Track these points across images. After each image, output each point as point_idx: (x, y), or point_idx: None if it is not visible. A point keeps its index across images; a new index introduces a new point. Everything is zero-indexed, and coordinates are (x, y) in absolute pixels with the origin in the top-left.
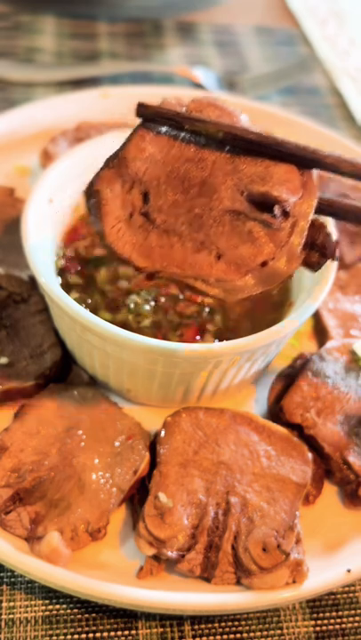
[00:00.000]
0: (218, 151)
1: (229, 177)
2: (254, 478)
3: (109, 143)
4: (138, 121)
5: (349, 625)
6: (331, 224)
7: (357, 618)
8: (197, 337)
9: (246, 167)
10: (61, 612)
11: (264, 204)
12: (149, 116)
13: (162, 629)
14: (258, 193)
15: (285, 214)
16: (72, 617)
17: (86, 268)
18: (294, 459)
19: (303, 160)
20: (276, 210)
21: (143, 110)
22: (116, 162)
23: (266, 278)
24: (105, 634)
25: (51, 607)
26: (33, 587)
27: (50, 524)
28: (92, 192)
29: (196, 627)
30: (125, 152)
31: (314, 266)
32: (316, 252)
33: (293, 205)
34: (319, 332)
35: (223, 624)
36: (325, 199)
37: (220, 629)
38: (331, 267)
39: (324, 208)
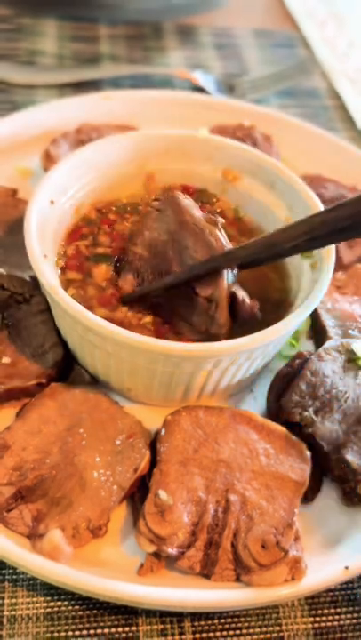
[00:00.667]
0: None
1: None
2: (253, 476)
3: (110, 145)
4: (138, 122)
5: (348, 621)
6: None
7: (355, 614)
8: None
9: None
10: (63, 608)
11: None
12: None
13: (162, 626)
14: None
15: (210, 301)
16: (73, 614)
17: (86, 265)
18: (293, 457)
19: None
20: (201, 300)
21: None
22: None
23: (208, 336)
24: (106, 630)
25: (52, 604)
26: (35, 584)
27: (51, 521)
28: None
29: (196, 623)
30: None
31: (243, 324)
32: (241, 316)
33: (211, 293)
34: (318, 331)
35: (223, 620)
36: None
37: (220, 626)
38: (329, 267)
39: (247, 263)
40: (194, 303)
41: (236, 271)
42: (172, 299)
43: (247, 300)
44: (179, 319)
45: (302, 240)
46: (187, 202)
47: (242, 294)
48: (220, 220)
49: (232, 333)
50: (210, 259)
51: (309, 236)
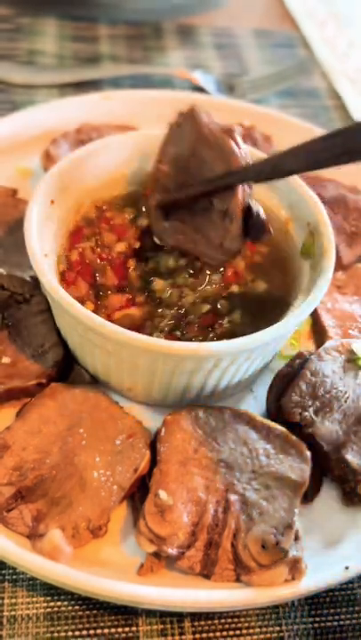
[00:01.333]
0: None
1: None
2: (253, 476)
3: (110, 145)
4: (138, 122)
5: (347, 622)
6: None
7: (355, 615)
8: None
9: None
10: (63, 608)
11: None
12: None
13: (162, 626)
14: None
15: (225, 214)
16: (73, 614)
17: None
18: (293, 457)
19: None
20: (218, 213)
21: None
22: None
23: (223, 252)
24: (106, 630)
25: (52, 604)
26: (35, 584)
27: (51, 521)
28: None
29: (196, 623)
30: None
31: (255, 239)
32: (254, 229)
33: (227, 207)
34: (318, 331)
35: (223, 620)
36: (255, 171)
37: (220, 626)
38: (329, 267)
39: (261, 178)
40: (211, 216)
41: (251, 186)
42: (195, 213)
43: (262, 215)
44: (199, 235)
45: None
46: (204, 115)
47: (256, 209)
48: (238, 128)
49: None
50: (226, 173)
51: (313, 158)
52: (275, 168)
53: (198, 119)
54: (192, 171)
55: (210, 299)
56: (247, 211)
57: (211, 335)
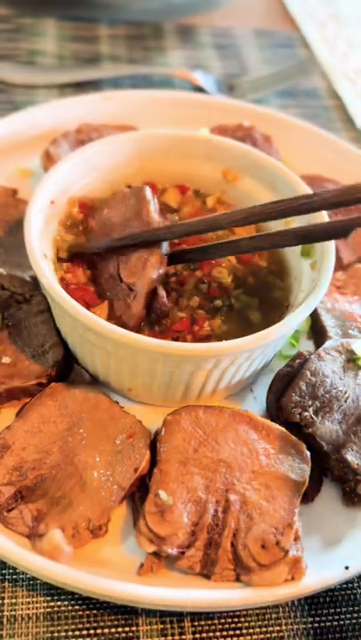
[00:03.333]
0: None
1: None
2: (253, 476)
3: (110, 145)
4: (138, 122)
5: (347, 621)
6: None
7: (355, 614)
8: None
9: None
10: (63, 608)
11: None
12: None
13: (162, 625)
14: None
15: (131, 289)
16: (73, 613)
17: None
18: (293, 457)
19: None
20: (124, 286)
21: None
22: None
23: (120, 323)
24: (106, 630)
25: (52, 604)
26: (35, 584)
27: (51, 521)
28: None
29: (196, 623)
30: None
31: (154, 321)
32: (155, 313)
33: (133, 284)
34: (318, 331)
35: (223, 620)
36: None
37: (220, 625)
38: (329, 267)
39: (260, 246)
40: (117, 287)
41: (162, 270)
42: (103, 273)
43: (165, 300)
44: (105, 296)
45: (240, 220)
46: (151, 199)
47: (162, 294)
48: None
49: (140, 328)
50: (145, 230)
51: (246, 220)
52: (208, 224)
53: (144, 198)
54: (114, 237)
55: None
56: (152, 293)
57: (210, 335)
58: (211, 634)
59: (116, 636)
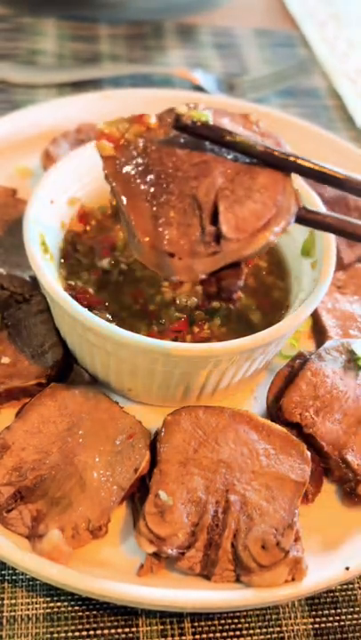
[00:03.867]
0: (226, 159)
1: (219, 176)
2: (254, 476)
3: None
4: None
5: (348, 622)
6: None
7: (356, 615)
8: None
9: (242, 176)
10: (62, 609)
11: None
12: (189, 130)
13: (162, 626)
14: (220, 210)
15: (218, 240)
16: (73, 614)
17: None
18: (293, 457)
19: (332, 182)
20: (207, 236)
21: (180, 128)
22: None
23: (166, 266)
24: (106, 631)
25: (52, 605)
26: (34, 584)
27: (51, 522)
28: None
29: (196, 624)
30: None
31: (208, 296)
32: (218, 288)
33: (227, 242)
34: (318, 331)
35: (223, 621)
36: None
37: (220, 626)
38: (329, 267)
39: (308, 218)
40: (203, 215)
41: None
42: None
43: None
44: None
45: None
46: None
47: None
48: None
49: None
50: (278, 151)
51: None
52: None
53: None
54: None
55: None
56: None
57: (210, 337)
58: (211, 634)
59: (116, 636)
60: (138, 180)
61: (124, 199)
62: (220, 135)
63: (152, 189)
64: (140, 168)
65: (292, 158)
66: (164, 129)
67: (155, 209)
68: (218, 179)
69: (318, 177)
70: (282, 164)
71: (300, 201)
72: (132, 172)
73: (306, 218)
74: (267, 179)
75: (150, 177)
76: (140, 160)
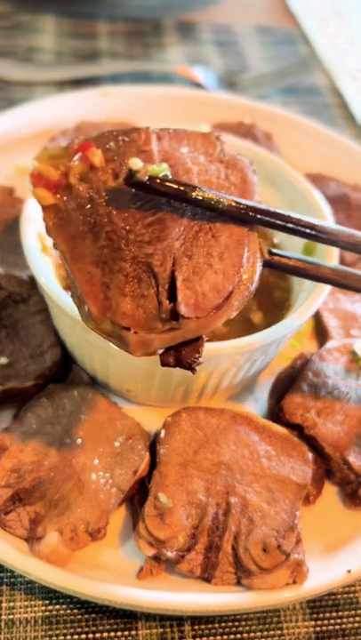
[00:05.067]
0: (188, 218)
1: (176, 239)
2: (254, 478)
3: None
4: (138, 119)
5: (350, 625)
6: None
7: (358, 618)
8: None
9: (203, 235)
10: (61, 612)
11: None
12: (145, 188)
13: (162, 630)
14: (177, 285)
15: (176, 318)
16: (72, 617)
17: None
18: (294, 459)
19: (302, 233)
20: (164, 313)
21: (135, 185)
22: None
23: (119, 338)
24: (105, 634)
25: (50, 607)
26: (33, 587)
27: (49, 524)
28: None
29: (197, 627)
30: None
31: (164, 364)
32: (175, 359)
33: (185, 321)
34: (320, 332)
35: (223, 624)
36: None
37: (221, 630)
38: None
39: (274, 264)
40: (143, 271)
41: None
42: (115, 227)
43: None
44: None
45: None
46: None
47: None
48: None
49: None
50: (310, 223)
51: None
52: None
53: (245, 168)
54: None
55: None
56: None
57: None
58: (211, 638)
59: (116, 639)
60: (85, 240)
61: (70, 260)
62: (182, 192)
63: (102, 252)
64: (86, 225)
65: (255, 214)
66: (110, 167)
67: (105, 276)
68: (175, 242)
69: (284, 229)
70: (246, 219)
71: (265, 252)
72: (78, 228)
73: (272, 264)
74: (229, 238)
75: (98, 236)
76: (85, 214)
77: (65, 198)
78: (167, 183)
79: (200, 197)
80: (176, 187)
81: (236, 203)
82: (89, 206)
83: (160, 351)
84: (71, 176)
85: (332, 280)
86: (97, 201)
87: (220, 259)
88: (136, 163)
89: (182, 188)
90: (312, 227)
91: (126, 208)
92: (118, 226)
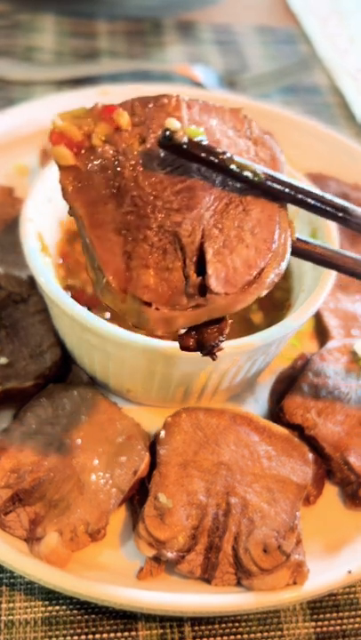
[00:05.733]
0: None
1: (206, 209)
2: (255, 479)
3: None
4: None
5: (350, 626)
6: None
7: (358, 619)
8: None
9: (233, 208)
10: (61, 613)
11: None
12: (180, 152)
13: (162, 630)
14: (207, 257)
15: (203, 293)
16: (72, 618)
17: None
18: (295, 459)
19: (333, 215)
20: (191, 287)
21: (171, 147)
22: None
23: (139, 315)
24: (105, 635)
25: (50, 608)
26: (32, 588)
27: (49, 524)
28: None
29: (197, 628)
30: None
31: (184, 349)
32: (196, 341)
33: (214, 297)
34: (320, 332)
35: (223, 625)
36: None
37: (221, 630)
38: None
39: (299, 251)
40: (187, 262)
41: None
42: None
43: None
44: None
45: None
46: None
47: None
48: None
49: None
50: (275, 178)
51: None
52: None
53: (273, 146)
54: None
55: None
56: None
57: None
58: (211, 639)
59: None
60: (107, 205)
61: (89, 227)
62: (220, 160)
63: (125, 219)
64: (109, 189)
65: (290, 190)
66: (137, 131)
67: (128, 245)
68: (205, 213)
69: (315, 208)
70: (279, 195)
71: (295, 234)
72: (100, 192)
73: (298, 250)
74: (261, 212)
75: (123, 202)
76: (109, 177)
77: (87, 160)
78: (205, 149)
79: (237, 168)
80: (214, 153)
81: (272, 177)
82: (113, 169)
83: (182, 331)
84: (95, 137)
85: (355, 271)
86: (123, 163)
87: (252, 233)
88: (173, 123)
89: (220, 156)
90: (344, 209)
91: (154, 173)
92: (145, 191)
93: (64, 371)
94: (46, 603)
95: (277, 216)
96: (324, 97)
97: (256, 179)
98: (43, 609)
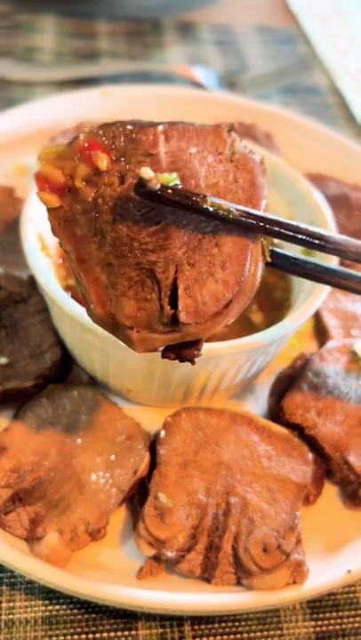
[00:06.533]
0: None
1: (179, 248)
2: (254, 478)
3: None
4: (138, 118)
5: (350, 625)
6: None
7: (358, 618)
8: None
9: (206, 243)
10: (61, 612)
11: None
12: (155, 198)
13: (162, 630)
14: (178, 293)
15: (177, 322)
16: (72, 617)
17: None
18: (295, 459)
19: (310, 244)
20: (165, 317)
21: (145, 194)
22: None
23: (123, 335)
24: (105, 634)
25: (50, 608)
26: (33, 587)
27: (49, 524)
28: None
29: (197, 627)
30: None
31: (165, 357)
32: (176, 355)
33: (185, 326)
34: (320, 332)
35: (223, 624)
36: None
37: (221, 630)
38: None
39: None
40: (160, 294)
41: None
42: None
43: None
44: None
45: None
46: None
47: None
48: None
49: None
50: (318, 234)
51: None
52: None
53: (258, 171)
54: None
55: None
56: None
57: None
58: (211, 638)
59: None
60: (90, 244)
61: (76, 261)
62: (193, 202)
63: (107, 257)
64: (91, 229)
65: (263, 224)
66: (116, 169)
67: (110, 279)
68: (178, 251)
69: (291, 239)
70: (253, 228)
71: (267, 255)
72: (84, 231)
73: (274, 263)
74: (232, 247)
75: (104, 241)
76: (90, 219)
77: (71, 200)
78: (178, 193)
79: (211, 208)
80: (187, 197)
81: (246, 213)
82: (94, 211)
83: (161, 348)
84: (76, 180)
85: (332, 282)
86: (102, 207)
87: (222, 268)
88: (147, 172)
89: (194, 199)
90: (320, 237)
91: (131, 216)
92: (122, 233)
93: (64, 371)
94: (46, 602)
95: (249, 248)
96: (324, 97)
97: (231, 216)
98: (43, 608)
